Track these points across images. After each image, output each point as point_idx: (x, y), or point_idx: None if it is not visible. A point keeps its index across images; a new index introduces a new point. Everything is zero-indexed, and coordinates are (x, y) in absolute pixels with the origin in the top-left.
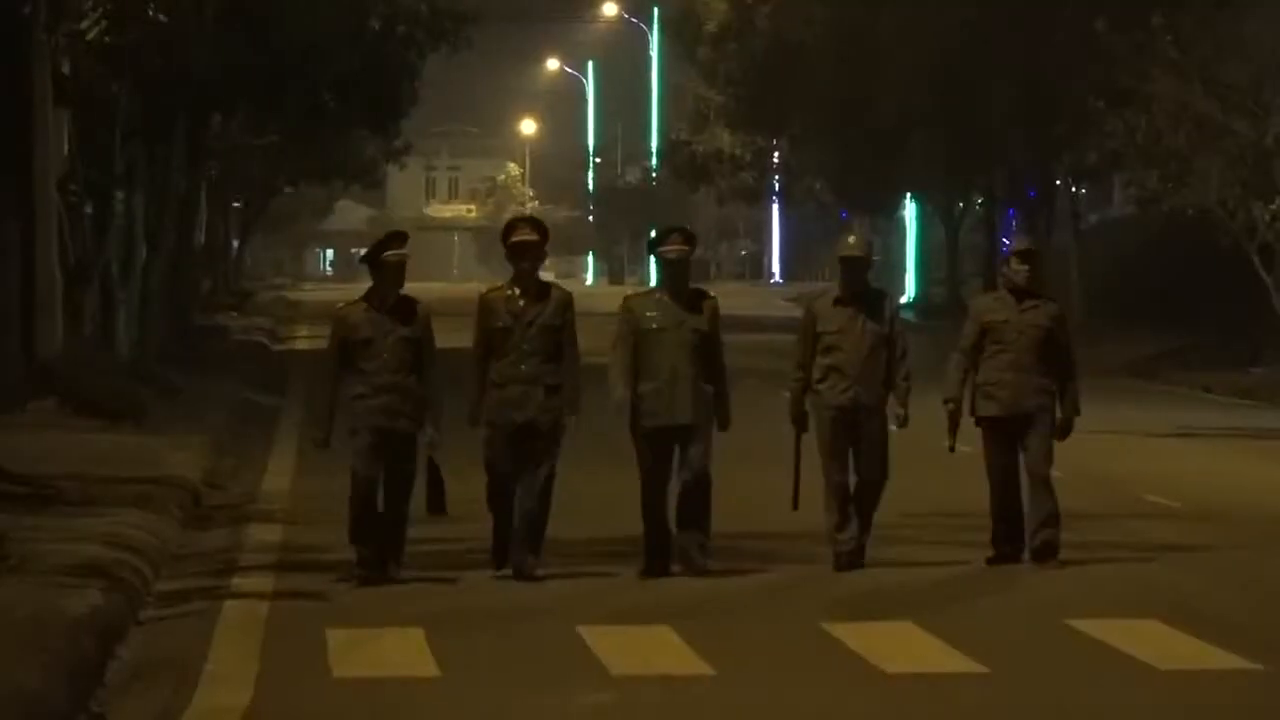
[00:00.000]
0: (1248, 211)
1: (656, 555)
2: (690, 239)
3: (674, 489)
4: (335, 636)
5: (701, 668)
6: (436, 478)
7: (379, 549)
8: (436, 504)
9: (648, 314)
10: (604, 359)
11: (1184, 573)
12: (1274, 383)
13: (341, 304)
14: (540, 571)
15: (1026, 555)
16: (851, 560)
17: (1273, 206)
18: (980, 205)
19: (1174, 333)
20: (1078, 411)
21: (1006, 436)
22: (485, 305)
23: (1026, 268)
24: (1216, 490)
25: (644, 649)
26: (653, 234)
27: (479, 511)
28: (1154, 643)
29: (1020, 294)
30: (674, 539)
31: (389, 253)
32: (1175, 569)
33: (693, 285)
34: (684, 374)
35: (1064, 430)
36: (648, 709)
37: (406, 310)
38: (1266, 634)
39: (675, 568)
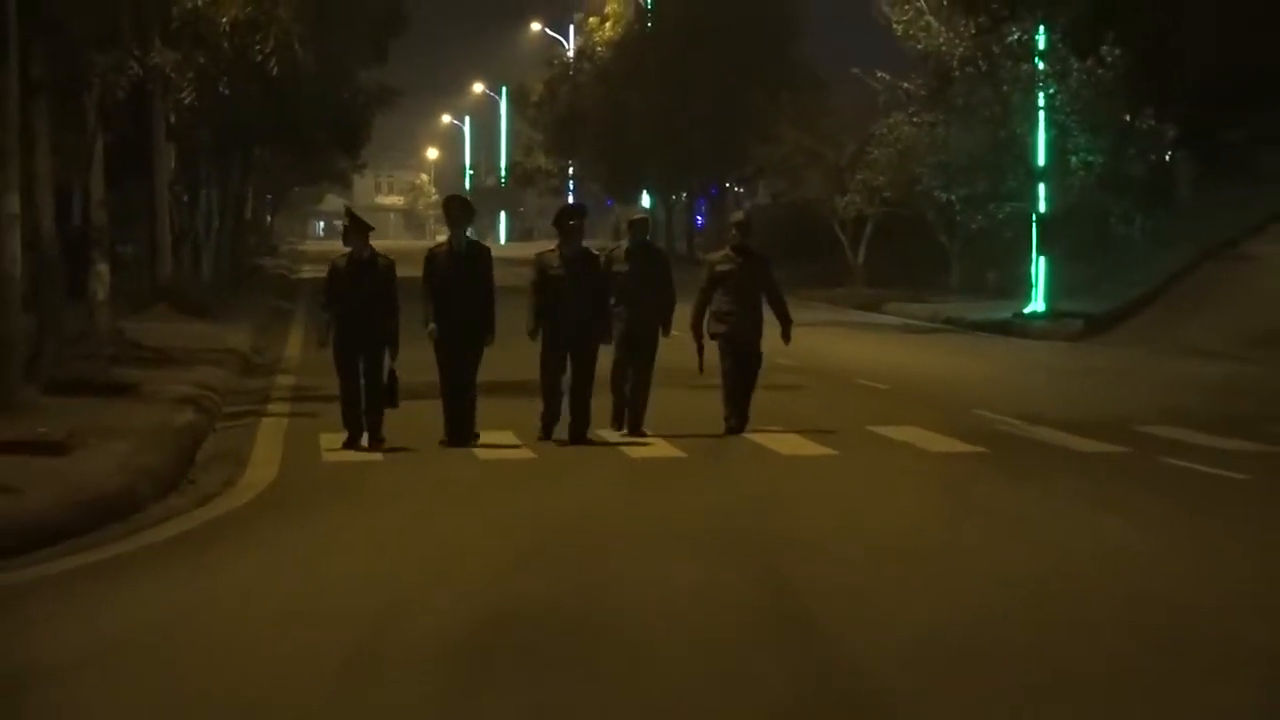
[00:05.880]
0: (833, 202)
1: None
2: (584, 213)
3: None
4: (325, 439)
5: (530, 455)
6: (393, 385)
7: (358, 420)
8: (391, 400)
9: (553, 265)
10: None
11: (799, 401)
12: (848, 296)
13: (336, 255)
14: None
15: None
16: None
17: (845, 199)
18: (685, 197)
19: (794, 271)
20: (790, 321)
21: (731, 350)
22: (432, 255)
23: (735, 232)
24: (816, 355)
25: (499, 450)
26: (561, 210)
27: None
28: (786, 443)
29: (738, 250)
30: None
31: (345, 219)
32: (795, 400)
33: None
34: (573, 308)
35: (786, 337)
36: (502, 473)
37: (372, 261)
38: (843, 433)
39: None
